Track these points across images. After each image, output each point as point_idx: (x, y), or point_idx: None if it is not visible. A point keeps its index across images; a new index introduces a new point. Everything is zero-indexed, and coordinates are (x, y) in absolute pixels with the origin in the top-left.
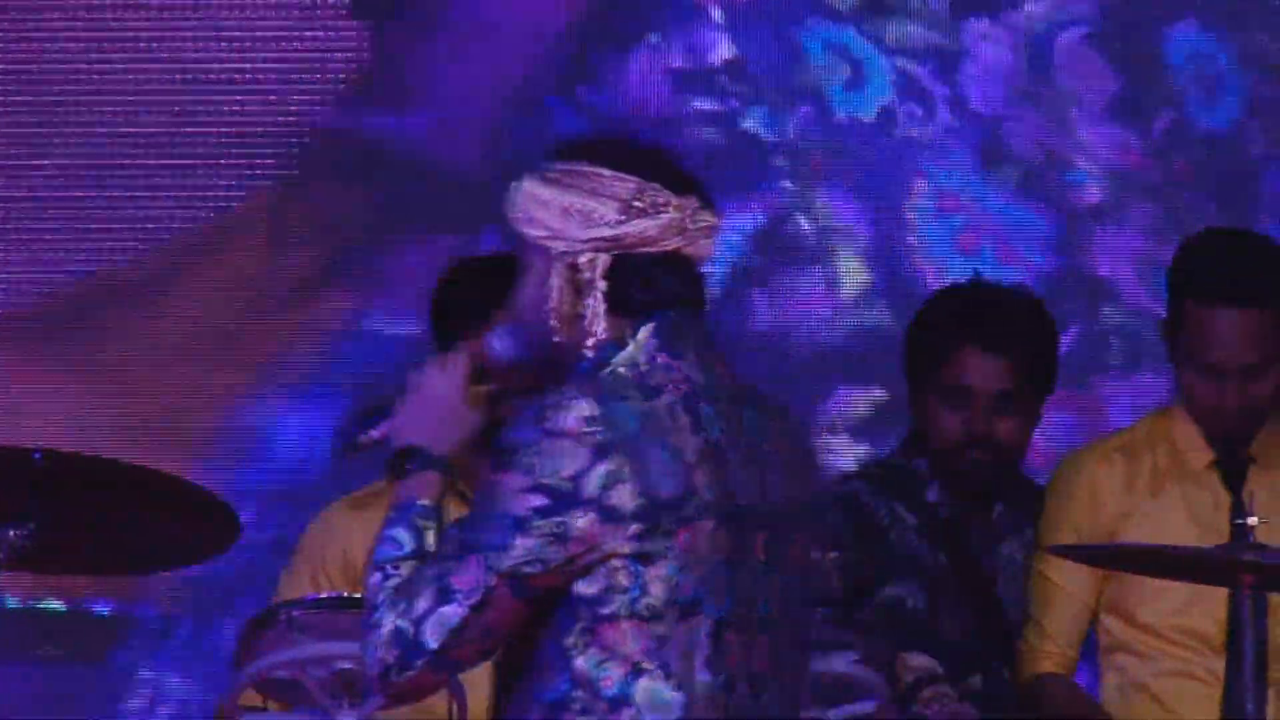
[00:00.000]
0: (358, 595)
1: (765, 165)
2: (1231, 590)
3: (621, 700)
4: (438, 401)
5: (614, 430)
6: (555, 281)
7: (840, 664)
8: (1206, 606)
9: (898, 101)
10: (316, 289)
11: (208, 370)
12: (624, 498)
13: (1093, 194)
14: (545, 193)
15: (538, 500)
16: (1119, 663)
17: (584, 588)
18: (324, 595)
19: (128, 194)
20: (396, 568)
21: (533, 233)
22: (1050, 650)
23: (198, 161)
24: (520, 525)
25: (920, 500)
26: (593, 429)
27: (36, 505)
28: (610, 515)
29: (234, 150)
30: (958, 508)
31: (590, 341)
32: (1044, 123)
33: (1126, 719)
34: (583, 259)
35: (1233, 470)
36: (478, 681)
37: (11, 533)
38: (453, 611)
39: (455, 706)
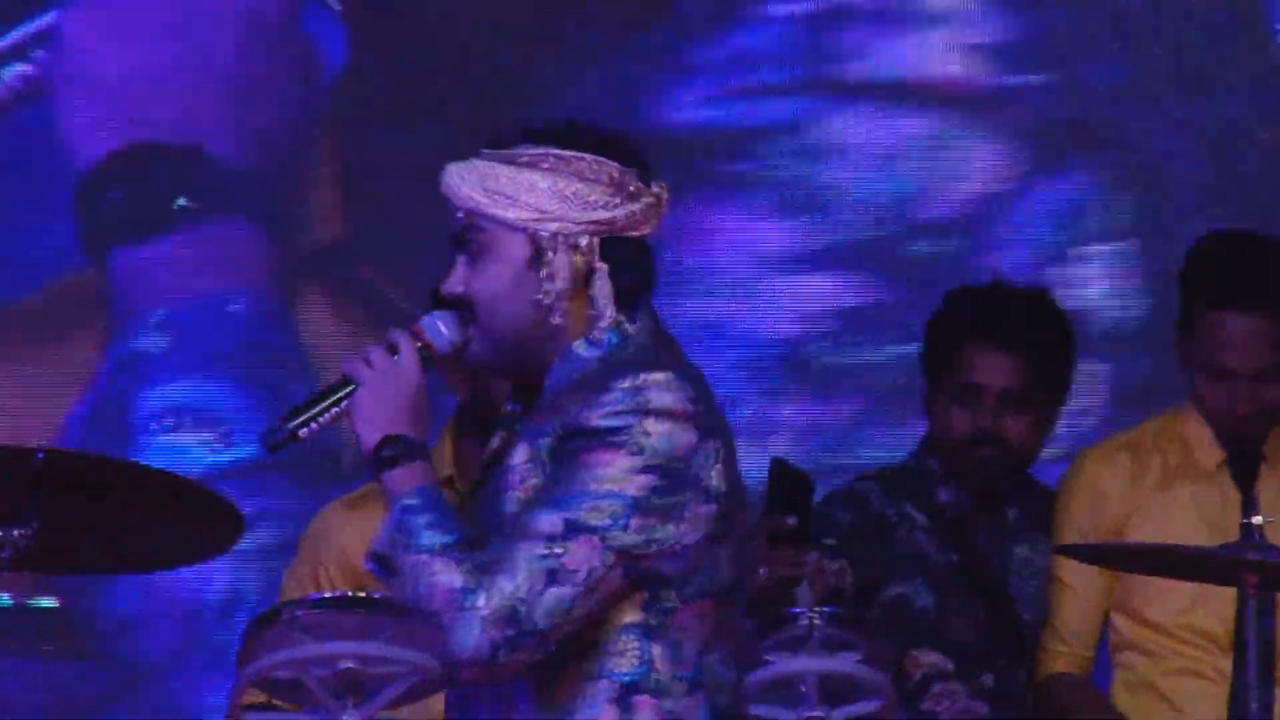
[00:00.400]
0: (361, 595)
1: (1075, 142)
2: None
3: (696, 681)
4: (403, 389)
5: (710, 412)
6: (562, 264)
7: (844, 663)
8: (1213, 605)
9: (1140, 77)
10: None
11: None
12: (718, 479)
13: None
14: (528, 175)
15: (652, 480)
16: (1127, 661)
17: (669, 568)
18: (327, 595)
19: None
20: (463, 551)
21: (515, 215)
22: (1062, 650)
23: None
24: (638, 506)
25: (931, 500)
26: (696, 410)
27: (38, 505)
28: (708, 496)
29: None
30: (968, 507)
31: (604, 323)
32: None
33: (1135, 717)
34: (582, 241)
35: (1244, 469)
36: None
37: (14, 532)
38: (566, 593)
39: None
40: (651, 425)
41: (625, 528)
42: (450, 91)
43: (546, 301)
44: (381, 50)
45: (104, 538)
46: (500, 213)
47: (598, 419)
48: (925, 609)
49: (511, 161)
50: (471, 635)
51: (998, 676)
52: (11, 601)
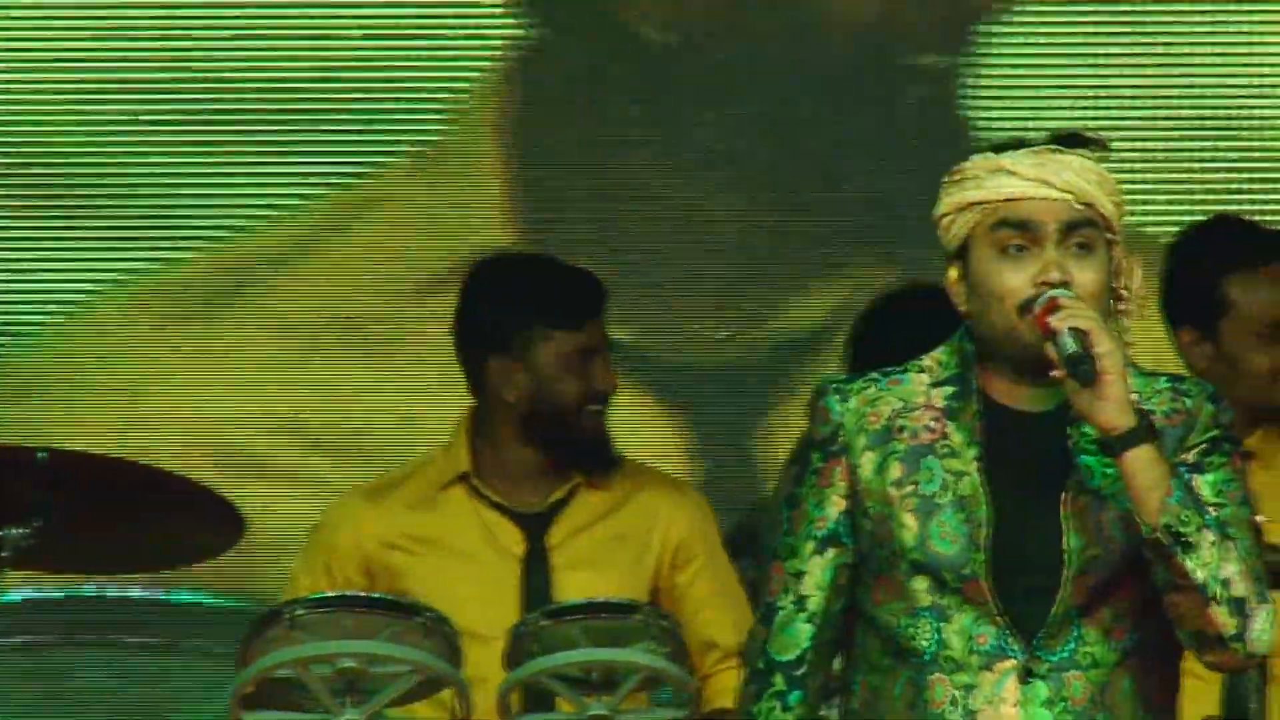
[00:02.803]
0: (361, 594)
1: None
2: None
3: None
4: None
5: None
6: (1134, 268)
7: None
8: None
9: None
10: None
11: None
12: None
13: None
14: (1114, 182)
15: None
16: None
17: None
18: (328, 594)
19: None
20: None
21: (1118, 216)
22: None
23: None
24: None
25: None
26: None
27: (41, 504)
28: None
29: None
30: None
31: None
32: None
33: None
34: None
35: None
36: (489, 674)
37: (16, 531)
38: None
39: (460, 702)
40: None
41: None
42: None
43: (1124, 306)
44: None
45: (107, 537)
46: (1109, 213)
47: (1229, 427)
48: None
49: (1100, 163)
50: (1270, 627)
51: None
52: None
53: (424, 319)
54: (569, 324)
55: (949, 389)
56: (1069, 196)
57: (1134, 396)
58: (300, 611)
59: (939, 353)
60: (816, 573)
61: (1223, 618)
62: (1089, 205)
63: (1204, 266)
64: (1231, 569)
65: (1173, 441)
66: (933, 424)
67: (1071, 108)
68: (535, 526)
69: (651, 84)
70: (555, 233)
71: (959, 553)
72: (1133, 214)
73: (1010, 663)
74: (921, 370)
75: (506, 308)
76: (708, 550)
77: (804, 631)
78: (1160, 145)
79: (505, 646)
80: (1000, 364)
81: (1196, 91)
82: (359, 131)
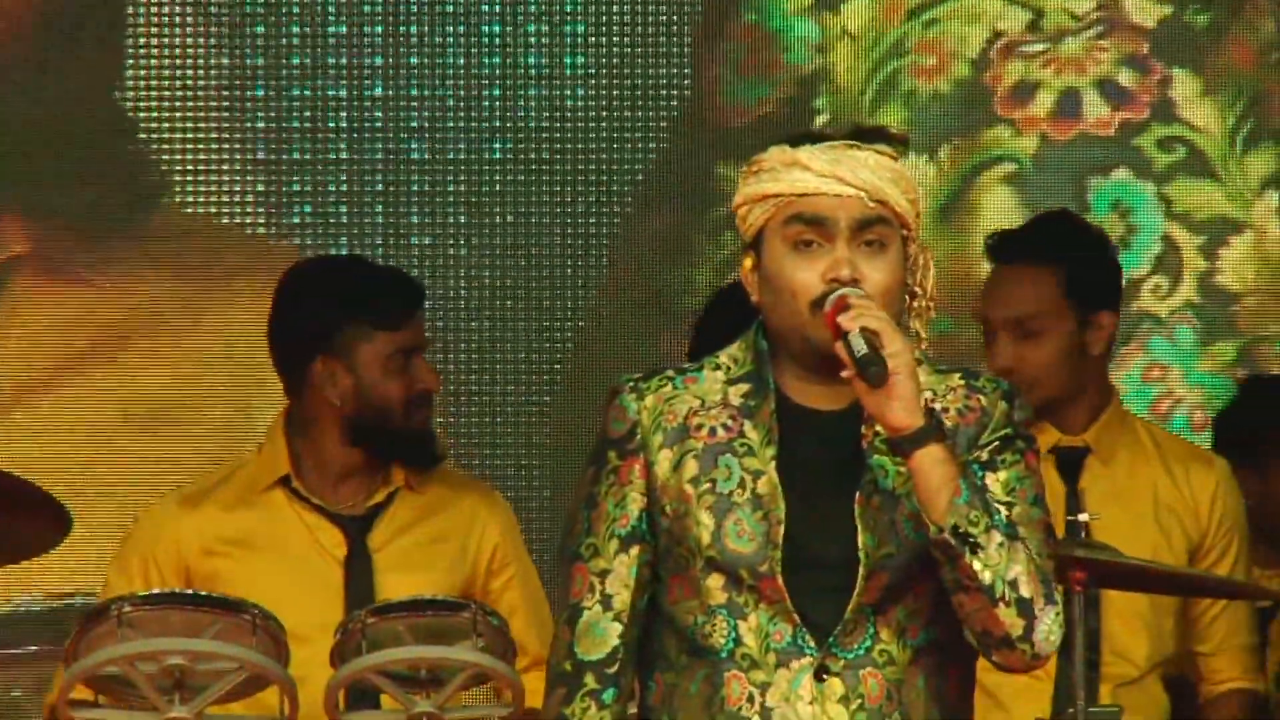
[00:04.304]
0: (189, 591)
1: None
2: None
3: None
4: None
5: None
6: (926, 262)
7: None
8: None
9: None
10: None
11: None
12: None
13: None
14: (911, 177)
15: None
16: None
17: None
18: (155, 591)
19: None
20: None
21: (913, 213)
22: None
23: None
24: None
25: None
26: None
27: None
28: None
29: None
30: None
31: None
32: None
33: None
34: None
35: (1069, 460)
36: (311, 675)
37: None
38: None
39: (286, 700)
40: None
41: None
42: None
43: (918, 304)
44: None
45: None
46: (906, 209)
47: (1023, 425)
48: None
49: (895, 159)
50: (1056, 629)
51: None
52: None
53: None
54: (389, 324)
55: (744, 387)
56: (862, 194)
57: (927, 394)
58: (128, 608)
59: (734, 349)
60: (622, 571)
61: (1009, 619)
62: (882, 203)
63: None
64: (1019, 570)
65: (966, 439)
66: (729, 422)
67: None
68: (356, 529)
69: None
70: None
71: (755, 551)
72: None
73: (806, 660)
74: (717, 367)
75: (329, 308)
76: (519, 557)
77: (613, 630)
78: None
79: (333, 643)
80: (792, 360)
81: None
82: None
